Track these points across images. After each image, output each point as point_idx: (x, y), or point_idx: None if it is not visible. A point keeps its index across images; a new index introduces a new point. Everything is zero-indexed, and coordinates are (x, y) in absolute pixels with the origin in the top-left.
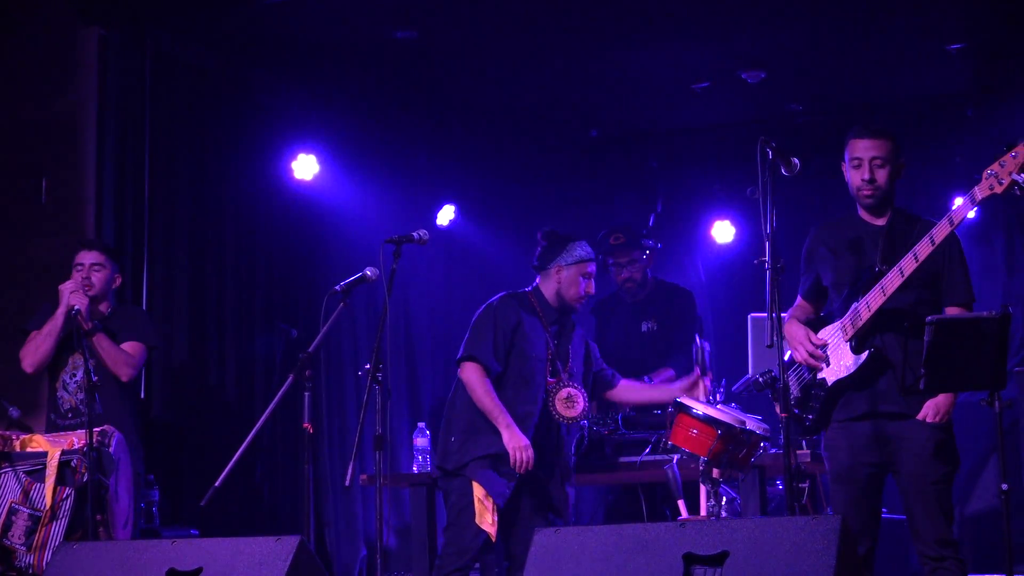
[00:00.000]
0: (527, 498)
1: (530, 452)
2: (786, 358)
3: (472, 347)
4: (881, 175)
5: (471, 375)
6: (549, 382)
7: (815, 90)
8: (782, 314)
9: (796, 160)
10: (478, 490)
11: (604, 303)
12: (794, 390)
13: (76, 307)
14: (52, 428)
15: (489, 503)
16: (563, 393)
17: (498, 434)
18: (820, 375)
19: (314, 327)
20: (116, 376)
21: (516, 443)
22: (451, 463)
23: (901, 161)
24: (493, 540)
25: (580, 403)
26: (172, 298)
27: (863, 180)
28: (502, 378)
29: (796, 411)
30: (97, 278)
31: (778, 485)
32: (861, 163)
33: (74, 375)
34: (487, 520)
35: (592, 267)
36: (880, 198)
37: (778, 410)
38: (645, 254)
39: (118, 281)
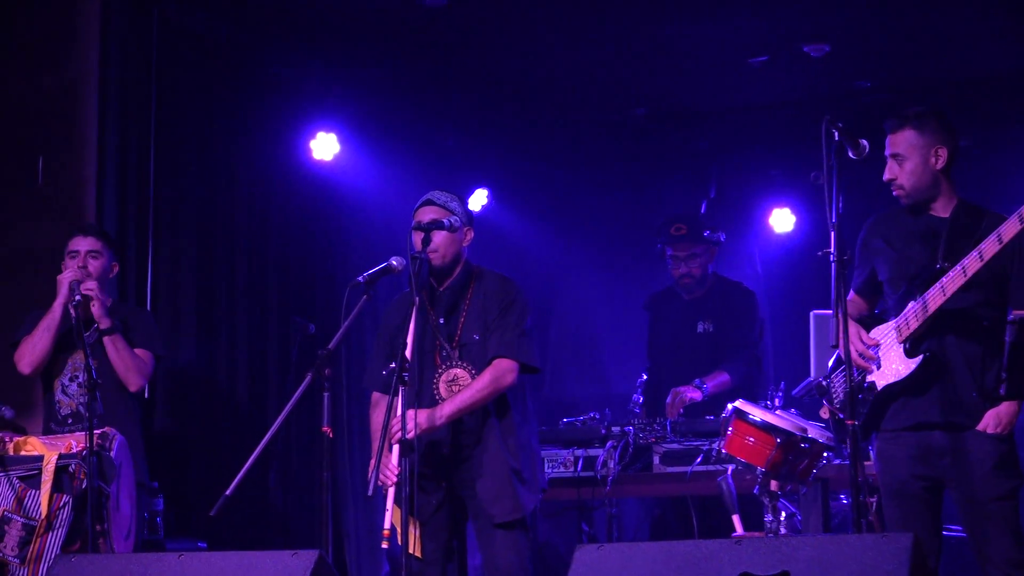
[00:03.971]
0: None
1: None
2: (831, 361)
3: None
4: (901, 172)
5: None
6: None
7: (884, 65)
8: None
9: (864, 142)
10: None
11: (658, 298)
12: (839, 393)
13: (78, 297)
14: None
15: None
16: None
17: None
18: (869, 378)
19: (334, 322)
20: (124, 383)
21: None
22: None
23: (943, 147)
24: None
25: None
26: (178, 289)
27: (885, 180)
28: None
29: (840, 416)
30: (94, 267)
31: (842, 499)
32: (888, 160)
33: (75, 378)
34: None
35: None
36: (912, 197)
37: (824, 414)
38: (708, 249)
39: (115, 270)
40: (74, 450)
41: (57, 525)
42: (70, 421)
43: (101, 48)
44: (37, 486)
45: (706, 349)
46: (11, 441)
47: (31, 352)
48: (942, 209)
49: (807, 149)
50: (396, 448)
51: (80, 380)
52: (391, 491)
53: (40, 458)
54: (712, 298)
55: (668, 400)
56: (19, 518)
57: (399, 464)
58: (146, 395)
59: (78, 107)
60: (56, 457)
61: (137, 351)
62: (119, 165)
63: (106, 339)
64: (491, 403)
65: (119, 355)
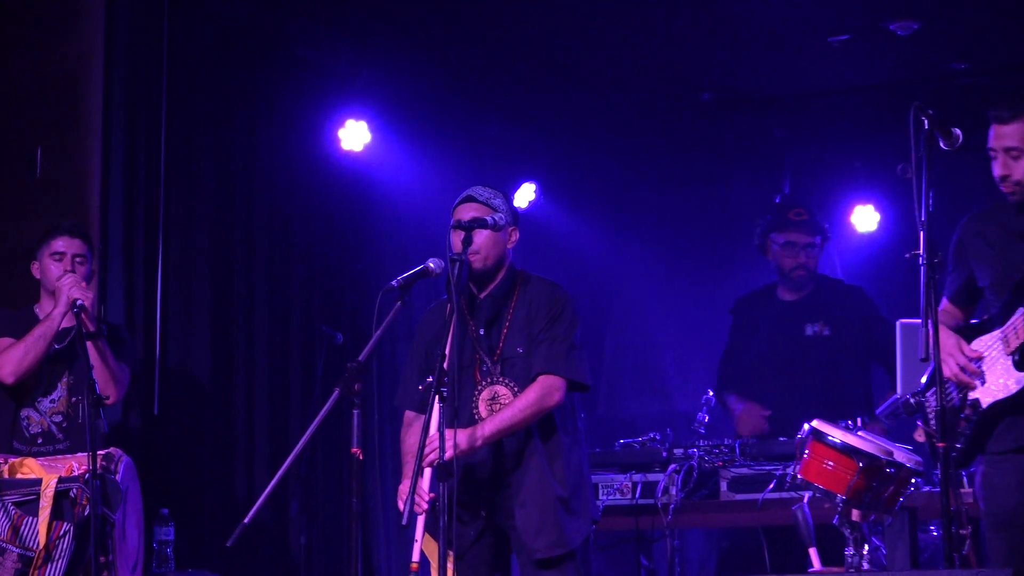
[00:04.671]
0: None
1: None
2: (924, 377)
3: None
4: (1017, 168)
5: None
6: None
7: (981, 44)
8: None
9: (958, 131)
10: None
11: (750, 300)
12: (935, 413)
13: (80, 301)
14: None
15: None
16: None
17: None
18: (972, 395)
19: (364, 331)
20: (105, 394)
21: None
22: None
23: None
24: None
25: None
26: (191, 296)
27: (998, 176)
28: None
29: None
30: (81, 273)
31: (932, 531)
32: (996, 154)
33: (49, 393)
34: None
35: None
36: None
37: (920, 436)
38: (823, 242)
39: (94, 279)
40: (76, 472)
41: (57, 556)
42: (39, 441)
43: (107, 25)
44: (35, 513)
45: (820, 354)
46: (5, 463)
47: (22, 360)
48: None
49: (893, 139)
50: (428, 472)
51: (54, 396)
52: (420, 519)
53: (38, 482)
54: (821, 297)
55: None
56: (15, 548)
57: (433, 489)
58: (156, 412)
59: (81, 91)
60: (56, 481)
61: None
62: (126, 156)
63: (90, 344)
64: (535, 423)
65: (103, 363)
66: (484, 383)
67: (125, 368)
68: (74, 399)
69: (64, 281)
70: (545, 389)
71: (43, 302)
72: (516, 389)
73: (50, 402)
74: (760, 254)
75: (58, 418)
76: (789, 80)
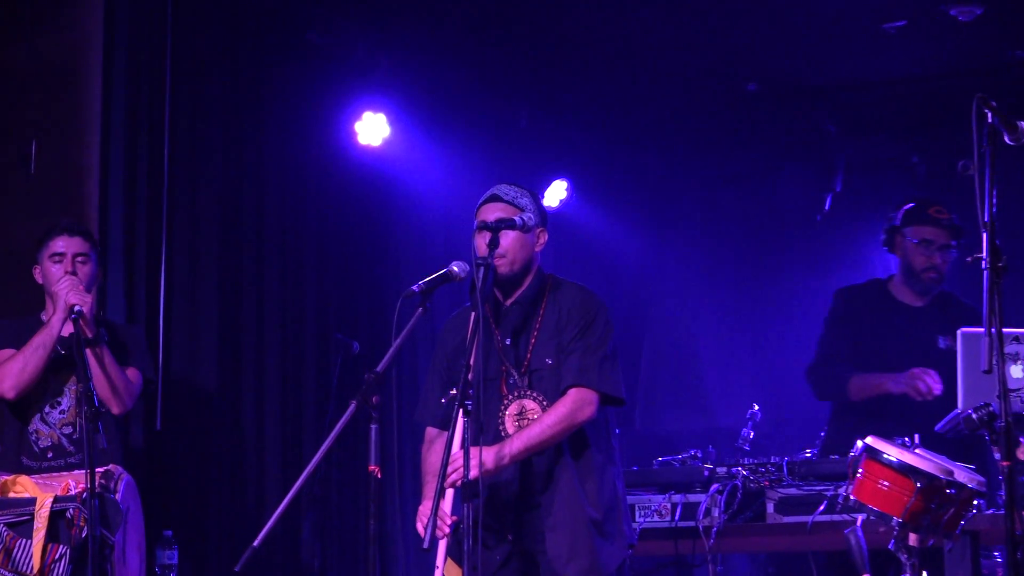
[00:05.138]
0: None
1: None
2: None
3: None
4: None
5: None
6: None
7: None
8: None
9: (1023, 124)
10: None
11: (864, 292)
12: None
13: (78, 307)
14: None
15: None
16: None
17: None
18: None
19: (383, 339)
20: (106, 404)
21: None
22: None
23: None
24: None
25: None
26: (196, 301)
27: None
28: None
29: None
30: (83, 273)
31: (996, 557)
32: None
33: (57, 403)
34: None
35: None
36: None
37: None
38: (957, 247)
39: (99, 279)
40: (72, 491)
41: None
42: (50, 455)
43: (106, 8)
44: (28, 535)
45: (951, 373)
46: None
47: (20, 372)
48: None
49: (954, 133)
50: (449, 493)
51: (63, 407)
52: (442, 543)
53: (32, 501)
54: (947, 309)
55: None
56: (7, 573)
57: (456, 511)
58: (158, 426)
59: (79, 79)
60: (51, 500)
61: (127, 371)
62: (127, 151)
63: (89, 352)
64: (566, 440)
65: (105, 371)
66: (511, 397)
67: (135, 374)
68: (104, 409)
69: (61, 285)
70: (576, 403)
71: (48, 308)
72: (545, 403)
73: (59, 413)
74: (886, 250)
75: (68, 429)
76: (841, 69)
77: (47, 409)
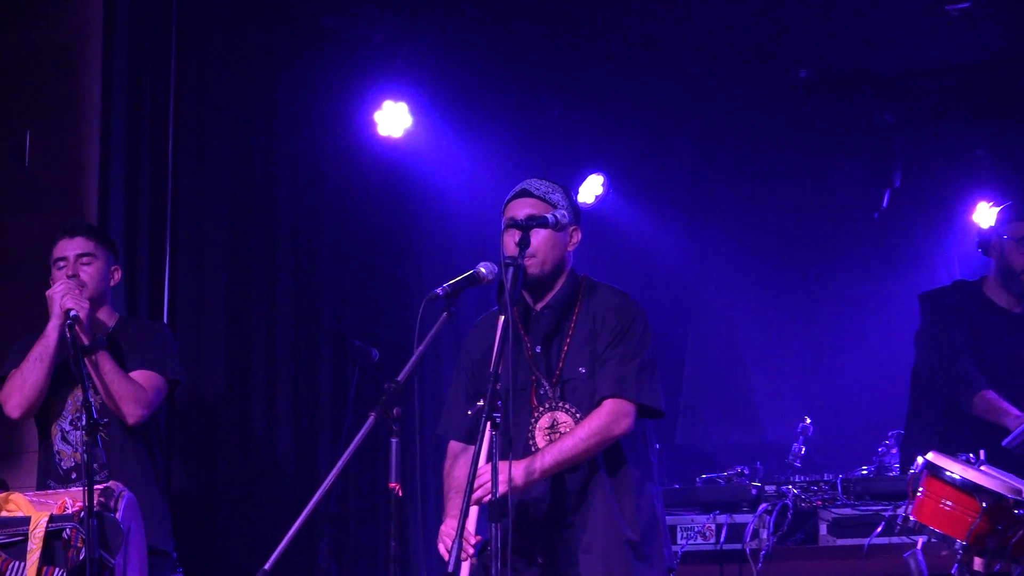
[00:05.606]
0: None
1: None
2: None
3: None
4: None
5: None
6: None
7: None
8: None
9: None
10: None
11: (953, 295)
12: None
13: (74, 312)
14: None
15: None
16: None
17: None
18: None
19: (404, 346)
20: (120, 416)
21: None
22: None
23: None
24: None
25: None
26: (203, 305)
27: None
28: None
29: None
30: (88, 274)
31: None
32: None
33: (77, 421)
34: None
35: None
36: None
37: None
38: None
39: (117, 276)
40: (69, 510)
41: None
42: (74, 476)
43: None
44: (22, 556)
45: None
46: None
47: (21, 389)
48: None
49: (1022, 123)
50: (474, 511)
51: (83, 423)
52: (466, 565)
53: (26, 521)
54: None
55: None
56: None
57: (482, 531)
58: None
59: (77, 68)
60: (46, 520)
61: (134, 374)
62: (129, 143)
63: (87, 361)
64: (601, 455)
65: (106, 378)
66: (541, 409)
67: (150, 377)
68: (104, 420)
69: (55, 290)
70: (612, 415)
71: None
72: (578, 415)
73: (81, 432)
74: (982, 253)
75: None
76: (899, 55)
77: (67, 428)
